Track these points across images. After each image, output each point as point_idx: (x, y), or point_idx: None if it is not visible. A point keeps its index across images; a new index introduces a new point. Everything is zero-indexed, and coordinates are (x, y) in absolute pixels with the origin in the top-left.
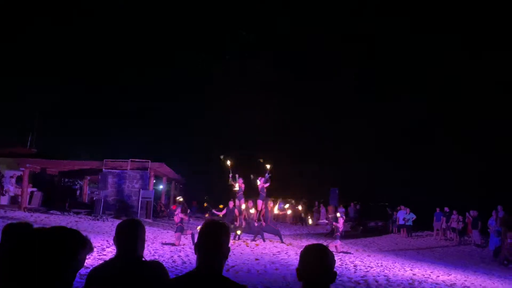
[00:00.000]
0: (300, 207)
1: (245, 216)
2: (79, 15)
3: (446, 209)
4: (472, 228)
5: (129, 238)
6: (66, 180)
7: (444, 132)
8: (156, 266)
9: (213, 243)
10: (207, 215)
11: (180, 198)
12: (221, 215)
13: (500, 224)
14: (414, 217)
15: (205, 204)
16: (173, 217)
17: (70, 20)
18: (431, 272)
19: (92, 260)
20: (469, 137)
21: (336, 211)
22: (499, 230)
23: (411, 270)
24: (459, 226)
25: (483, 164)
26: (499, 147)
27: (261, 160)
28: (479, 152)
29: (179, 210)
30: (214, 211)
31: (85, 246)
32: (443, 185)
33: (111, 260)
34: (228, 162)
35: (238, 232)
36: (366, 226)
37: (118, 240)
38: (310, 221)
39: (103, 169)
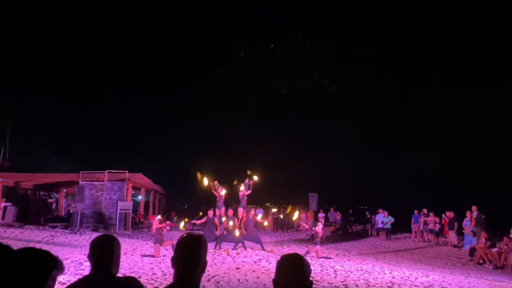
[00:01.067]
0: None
1: (225, 225)
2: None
3: (424, 210)
4: (448, 229)
5: (103, 254)
6: (42, 193)
7: (421, 136)
8: (130, 282)
9: (190, 256)
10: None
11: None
12: (199, 223)
13: (475, 224)
14: (392, 220)
15: (186, 220)
16: (151, 228)
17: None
18: (410, 274)
19: (69, 276)
20: (447, 143)
21: (315, 217)
22: (473, 230)
23: (391, 273)
24: (436, 228)
25: (461, 165)
26: (475, 149)
27: (249, 172)
28: (455, 155)
29: (156, 221)
30: (193, 221)
31: (56, 267)
32: (419, 188)
33: (85, 277)
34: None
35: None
36: (346, 230)
37: (92, 256)
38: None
39: (80, 181)
